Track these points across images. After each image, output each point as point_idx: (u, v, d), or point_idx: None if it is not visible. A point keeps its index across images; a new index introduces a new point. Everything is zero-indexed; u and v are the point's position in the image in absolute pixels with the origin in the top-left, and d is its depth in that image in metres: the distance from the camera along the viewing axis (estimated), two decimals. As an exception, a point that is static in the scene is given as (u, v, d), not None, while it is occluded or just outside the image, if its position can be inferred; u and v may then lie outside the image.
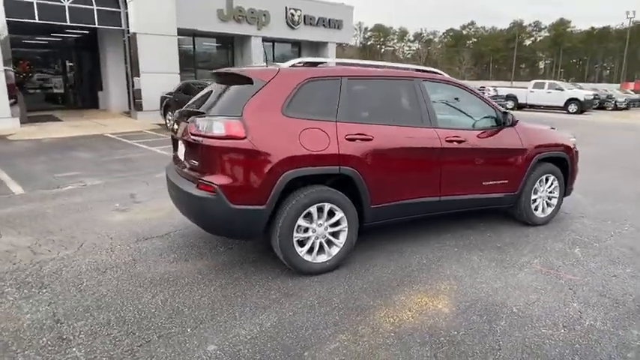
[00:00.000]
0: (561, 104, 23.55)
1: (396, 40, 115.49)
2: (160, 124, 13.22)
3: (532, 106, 24.62)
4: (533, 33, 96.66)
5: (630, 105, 27.68)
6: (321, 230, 3.31)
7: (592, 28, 78.36)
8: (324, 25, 20.63)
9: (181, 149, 3.56)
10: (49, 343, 2.45)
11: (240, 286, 3.16)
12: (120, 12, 14.01)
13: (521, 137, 4.25)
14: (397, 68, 4.02)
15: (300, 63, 3.57)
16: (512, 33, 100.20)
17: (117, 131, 11.90)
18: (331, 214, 3.34)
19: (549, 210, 4.64)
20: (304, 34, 20.05)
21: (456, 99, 4.16)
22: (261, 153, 3.02)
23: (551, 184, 4.58)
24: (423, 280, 3.31)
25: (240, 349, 2.44)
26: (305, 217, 3.22)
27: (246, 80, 3.23)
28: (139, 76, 14.17)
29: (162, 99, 12.51)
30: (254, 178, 3.04)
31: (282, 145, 3.09)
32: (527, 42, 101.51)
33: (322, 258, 3.36)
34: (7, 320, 2.67)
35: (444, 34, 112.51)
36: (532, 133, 4.38)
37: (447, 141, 3.77)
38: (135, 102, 14.76)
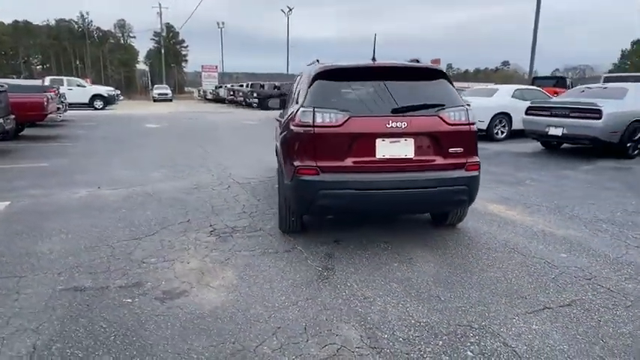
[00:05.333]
0: (86, 100, 23.88)
1: None
2: None
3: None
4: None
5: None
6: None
7: (16, 21, 74.79)
8: None
9: (398, 145, 3.39)
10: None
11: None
12: None
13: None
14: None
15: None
16: None
17: None
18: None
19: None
20: None
21: None
22: None
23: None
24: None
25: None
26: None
27: (440, 74, 3.72)
28: None
29: None
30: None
31: None
32: None
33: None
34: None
35: None
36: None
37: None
38: None
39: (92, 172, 6.99)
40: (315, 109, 3.37)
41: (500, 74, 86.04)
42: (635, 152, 8.14)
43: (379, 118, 3.36)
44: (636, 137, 8.02)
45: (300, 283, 3.15)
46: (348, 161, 3.39)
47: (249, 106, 27.39)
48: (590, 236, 4.08)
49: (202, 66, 55.60)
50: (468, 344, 2.42)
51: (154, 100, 39.85)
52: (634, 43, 56.26)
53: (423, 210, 4.03)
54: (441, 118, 3.46)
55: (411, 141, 3.42)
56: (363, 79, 3.63)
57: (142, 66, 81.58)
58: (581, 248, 3.79)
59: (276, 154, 5.90)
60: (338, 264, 3.46)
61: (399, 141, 3.41)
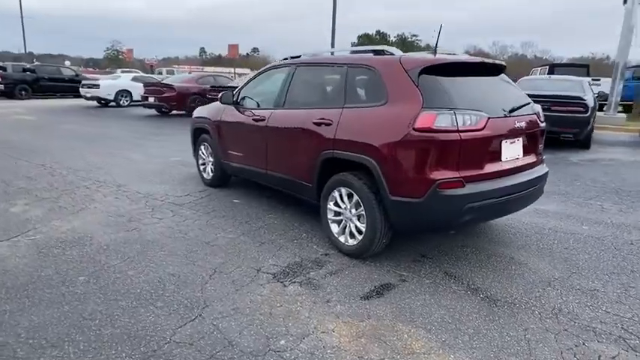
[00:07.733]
0: None
1: None
2: None
3: None
4: None
5: None
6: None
7: None
8: None
9: (514, 146, 3.24)
10: None
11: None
12: None
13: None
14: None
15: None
16: None
17: None
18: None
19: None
20: None
21: None
22: None
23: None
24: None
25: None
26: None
27: (504, 69, 3.68)
28: None
29: None
30: None
31: None
32: None
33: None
34: None
35: None
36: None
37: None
38: None
39: None
40: (456, 111, 2.87)
41: (251, 61, 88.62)
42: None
43: (509, 119, 3.14)
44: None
45: (486, 315, 2.69)
46: (487, 167, 3.05)
47: (-17, 95, 20.49)
48: (570, 208, 4.91)
49: None
50: (687, 327, 2.61)
51: None
52: (360, 37, 68.79)
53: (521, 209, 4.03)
54: (537, 115, 3.49)
55: (521, 141, 3.33)
56: (462, 75, 3.30)
57: None
58: (583, 219, 4.51)
59: (226, 160, 5.09)
60: (474, 282, 3.10)
61: (514, 142, 3.27)
